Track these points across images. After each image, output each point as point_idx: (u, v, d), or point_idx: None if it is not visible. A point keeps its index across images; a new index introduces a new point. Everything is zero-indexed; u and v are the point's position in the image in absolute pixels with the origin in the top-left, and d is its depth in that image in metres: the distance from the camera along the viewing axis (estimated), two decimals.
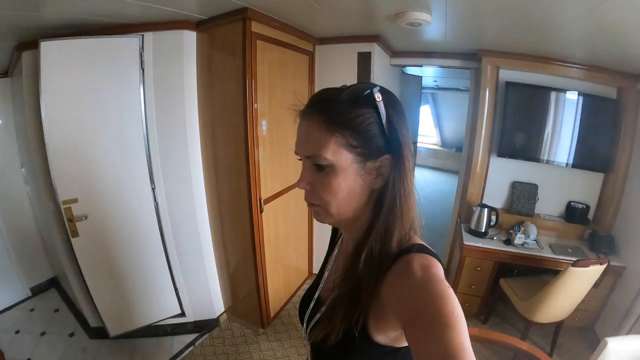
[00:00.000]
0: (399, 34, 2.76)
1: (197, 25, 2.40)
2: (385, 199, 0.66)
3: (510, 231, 3.09)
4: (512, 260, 2.89)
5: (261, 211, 2.55)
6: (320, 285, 0.87)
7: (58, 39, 2.22)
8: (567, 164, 3.06)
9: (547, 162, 3.11)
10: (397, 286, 0.62)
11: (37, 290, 3.69)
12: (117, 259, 2.63)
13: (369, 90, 0.64)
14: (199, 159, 2.65)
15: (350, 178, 0.66)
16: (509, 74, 3.07)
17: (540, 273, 2.94)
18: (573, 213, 3.18)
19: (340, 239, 0.91)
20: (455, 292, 2.40)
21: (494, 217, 3.10)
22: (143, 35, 2.38)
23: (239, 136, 2.39)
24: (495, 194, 3.30)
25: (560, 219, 3.22)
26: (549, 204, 3.24)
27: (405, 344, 0.67)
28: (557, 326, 2.69)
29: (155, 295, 2.85)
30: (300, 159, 0.71)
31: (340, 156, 0.64)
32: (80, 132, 2.36)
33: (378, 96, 0.64)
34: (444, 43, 2.98)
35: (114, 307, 2.70)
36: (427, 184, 8.35)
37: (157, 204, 2.63)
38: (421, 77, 5.36)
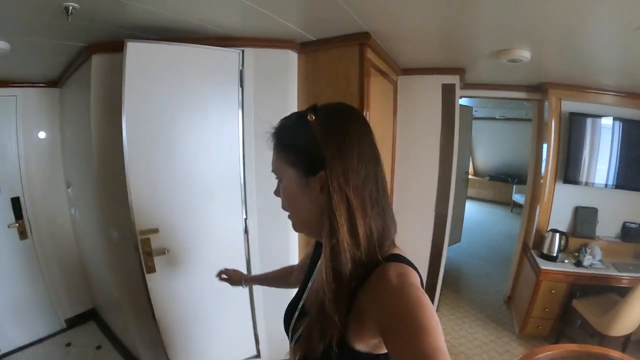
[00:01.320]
0: (485, 67, 2.73)
1: (302, 47, 2.17)
2: (325, 214, 0.66)
3: (576, 254, 3.08)
4: (584, 281, 2.88)
5: None
6: (305, 295, 0.87)
7: (147, 41, 1.87)
8: (615, 186, 3.14)
9: (606, 186, 3.17)
10: (374, 294, 0.62)
11: (72, 322, 3.18)
12: (195, 295, 2.21)
13: (303, 113, 0.70)
14: None
15: (294, 191, 0.72)
16: (570, 105, 3.14)
17: (606, 291, 2.94)
18: (628, 232, 3.22)
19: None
20: (530, 317, 3.03)
21: (563, 242, 3.09)
22: (243, 51, 2.08)
23: None
24: (560, 219, 3.25)
25: (617, 238, 3.25)
26: (607, 226, 3.25)
27: (385, 350, 0.64)
28: (626, 339, 2.69)
29: (230, 335, 2.46)
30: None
31: (286, 172, 0.73)
32: (165, 151, 1.98)
33: (310, 116, 0.69)
34: (514, 75, 2.98)
35: (183, 348, 2.27)
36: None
37: (247, 236, 2.28)
38: (472, 107, 5.26)
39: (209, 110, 2.07)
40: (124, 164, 1.87)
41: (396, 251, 0.71)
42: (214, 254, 2.19)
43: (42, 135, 2.96)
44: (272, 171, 0.78)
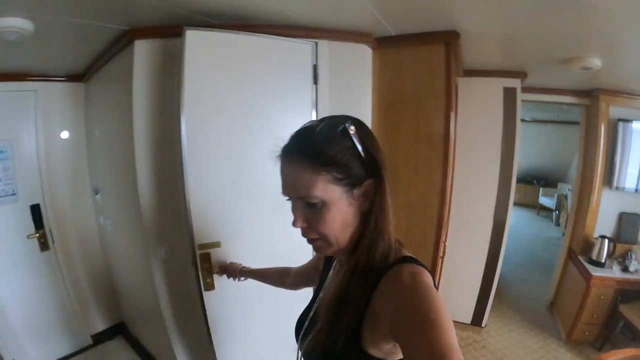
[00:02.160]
0: (546, 72, 2.62)
1: (379, 42, 1.91)
2: (371, 217, 0.67)
3: (621, 259, 3.03)
4: (631, 286, 2.82)
5: (442, 255, 2.11)
6: (315, 305, 0.85)
7: (207, 29, 1.59)
8: None
9: None
10: (387, 293, 0.62)
11: (100, 338, 2.86)
12: (257, 319, 1.90)
13: (342, 126, 0.65)
14: None
15: (342, 209, 0.66)
16: (617, 111, 3.05)
17: None
18: None
19: (335, 260, 0.90)
20: (578, 323, 2.95)
21: (610, 248, 3.00)
22: (317, 43, 1.79)
23: (432, 172, 1.93)
24: (605, 225, 3.14)
25: None
26: None
27: (399, 356, 0.65)
28: None
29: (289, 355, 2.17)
30: (288, 199, 0.70)
31: (330, 191, 0.64)
32: (229, 156, 1.70)
33: (352, 129, 0.65)
34: (569, 80, 2.86)
35: None
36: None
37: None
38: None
39: (279, 109, 1.76)
40: (181, 169, 1.60)
41: (405, 253, 0.71)
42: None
43: (64, 135, 2.59)
44: (301, 197, 0.66)
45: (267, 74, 1.73)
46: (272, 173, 1.64)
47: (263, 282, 1.42)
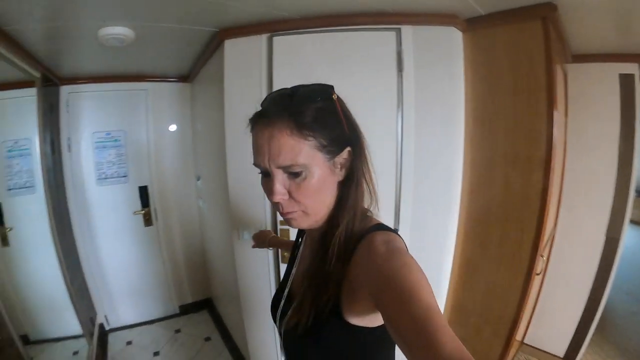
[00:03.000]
0: None
1: (468, 24, 1.70)
2: (349, 187, 0.65)
3: None
4: None
5: (540, 272, 1.79)
6: (289, 282, 0.81)
7: (291, 33, 1.68)
8: None
9: None
10: (364, 263, 0.60)
11: (186, 309, 3.14)
12: None
13: (327, 90, 0.64)
14: (458, 191, 1.81)
15: (326, 177, 0.63)
16: None
17: None
18: None
19: (305, 234, 0.86)
20: None
21: None
22: (400, 29, 1.66)
23: (533, 171, 1.63)
24: None
25: None
26: None
27: (379, 323, 0.63)
28: None
29: None
30: (261, 172, 0.65)
31: (315, 158, 0.60)
32: None
33: (334, 95, 0.64)
34: None
35: None
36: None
37: None
38: None
39: (362, 101, 1.69)
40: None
41: (375, 220, 0.69)
42: None
43: (172, 128, 2.92)
44: (285, 166, 0.60)
45: (351, 68, 1.71)
46: None
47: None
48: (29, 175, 2.06)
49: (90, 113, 2.65)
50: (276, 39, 1.71)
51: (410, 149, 1.72)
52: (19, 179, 2.03)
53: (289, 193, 0.62)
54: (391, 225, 1.64)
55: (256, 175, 1.70)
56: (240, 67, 1.83)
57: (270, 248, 1.45)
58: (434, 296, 0.50)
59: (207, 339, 2.82)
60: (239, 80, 1.83)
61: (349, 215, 0.65)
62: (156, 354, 2.64)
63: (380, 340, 0.66)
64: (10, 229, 1.99)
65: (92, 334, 2.49)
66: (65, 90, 2.48)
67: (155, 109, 2.82)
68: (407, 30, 1.67)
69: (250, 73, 1.76)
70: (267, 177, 0.64)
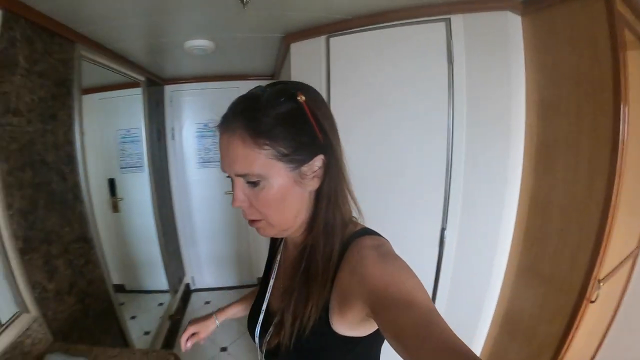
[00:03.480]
0: None
1: (525, 6, 1.52)
2: (324, 196, 0.61)
3: None
4: None
5: (595, 299, 1.53)
6: (267, 295, 0.75)
7: (346, 33, 1.75)
8: None
9: None
10: (355, 270, 0.56)
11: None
12: None
13: (290, 93, 0.56)
14: (514, 193, 1.63)
15: (287, 188, 0.58)
16: None
17: None
18: None
19: (282, 244, 0.80)
20: None
21: None
22: (450, 19, 1.60)
23: (594, 177, 1.33)
24: None
25: None
26: None
27: (370, 331, 0.60)
28: None
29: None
30: (228, 176, 0.60)
31: (273, 168, 0.55)
32: (367, 142, 1.78)
33: (301, 97, 0.55)
34: None
35: None
36: None
37: (441, 250, 1.76)
38: None
39: (414, 97, 1.71)
40: None
41: (360, 226, 0.67)
42: (400, 254, 1.87)
43: None
44: (240, 175, 0.57)
45: (402, 62, 1.70)
46: (405, 159, 1.68)
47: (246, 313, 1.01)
48: (139, 157, 2.57)
49: (190, 107, 3.13)
50: (332, 40, 1.81)
51: (461, 145, 1.64)
52: (130, 160, 2.56)
53: (250, 201, 0.59)
54: (438, 225, 1.57)
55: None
56: (304, 66, 1.96)
57: (220, 321, 1.10)
58: (430, 298, 0.50)
59: None
60: (303, 79, 1.95)
61: (327, 226, 0.61)
62: None
63: (369, 347, 0.64)
64: (121, 199, 2.53)
65: (176, 291, 3.00)
66: (168, 89, 3.00)
67: None
68: (457, 19, 1.59)
69: (312, 72, 1.88)
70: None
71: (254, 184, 0.56)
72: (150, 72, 2.56)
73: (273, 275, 0.77)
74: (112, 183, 2.56)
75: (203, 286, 3.48)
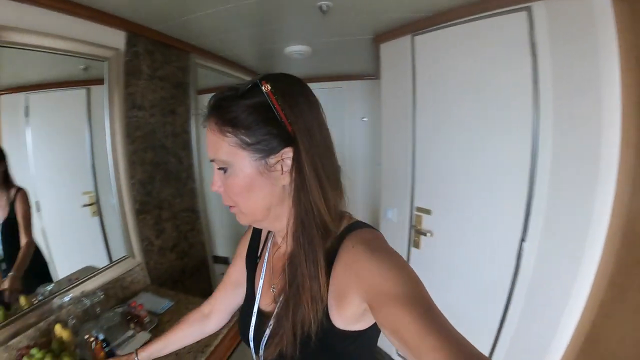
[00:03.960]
0: None
1: None
2: (296, 191, 0.58)
3: None
4: None
5: None
6: (258, 297, 0.71)
7: (428, 31, 1.72)
8: None
9: None
10: (350, 266, 0.55)
11: None
12: (439, 296, 1.81)
13: (254, 82, 0.56)
14: (607, 204, 1.30)
15: (252, 177, 0.57)
16: None
17: None
18: None
19: (269, 241, 0.77)
20: None
21: None
22: (530, 7, 1.37)
23: None
24: None
25: None
26: None
27: (369, 325, 0.59)
28: None
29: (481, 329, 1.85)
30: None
31: (236, 156, 0.56)
32: (449, 138, 1.74)
33: (266, 87, 0.55)
34: None
35: None
36: None
37: (518, 263, 1.54)
38: None
39: (497, 92, 1.55)
40: (412, 142, 1.91)
41: (352, 219, 0.64)
42: (472, 263, 1.74)
43: (364, 119, 3.31)
44: (212, 160, 0.60)
45: (482, 56, 1.57)
46: (484, 158, 1.63)
47: (178, 346, 0.97)
48: None
49: None
50: (417, 38, 1.81)
51: (547, 148, 1.41)
52: None
53: (224, 187, 0.61)
54: (517, 236, 1.55)
55: (404, 160, 2.01)
56: (392, 66, 2.01)
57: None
58: (427, 291, 0.49)
59: None
60: (392, 77, 2.03)
61: (304, 224, 0.59)
62: None
63: (370, 338, 0.62)
64: None
65: None
66: None
67: (350, 102, 3.26)
68: (539, 7, 1.36)
69: (400, 71, 1.92)
70: None
71: (223, 170, 0.59)
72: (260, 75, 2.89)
73: (262, 275, 0.74)
74: None
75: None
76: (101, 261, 1.55)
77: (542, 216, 1.44)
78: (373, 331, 0.61)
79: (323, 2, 1.45)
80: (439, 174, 1.82)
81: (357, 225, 0.61)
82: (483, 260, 1.70)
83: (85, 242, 1.59)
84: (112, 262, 1.55)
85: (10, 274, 1.17)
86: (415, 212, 1.95)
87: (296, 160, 0.57)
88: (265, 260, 0.75)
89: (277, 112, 0.55)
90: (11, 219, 1.17)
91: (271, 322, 0.65)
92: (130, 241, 1.62)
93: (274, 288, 0.70)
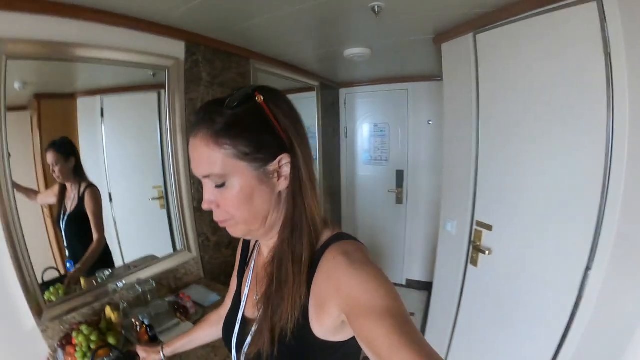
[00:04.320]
0: None
1: None
2: (290, 196, 0.60)
3: None
4: None
5: None
6: (243, 304, 0.73)
7: (490, 28, 1.57)
8: None
9: None
10: (331, 276, 0.56)
11: (409, 284, 3.43)
12: (501, 307, 1.71)
13: (248, 93, 0.57)
14: None
15: (252, 187, 0.57)
16: None
17: None
18: None
19: (255, 251, 0.78)
20: None
21: None
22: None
23: None
24: None
25: None
26: None
27: (349, 337, 0.59)
28: None
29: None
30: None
31: (235, 168, 0.56)
32: (516, 147, 1.56)
33: (259, 97, 0.57)
34: None
35: (466, 345, 1.96)
36: None
37: (580, 294, 1.32)
38: None
39: (566, 92, 1.35)
40: (476, 153, 1.76)
41: (335, 230, 0.64)
42: (530, 291, 1.55)
43: (430, 121, 3.13)
44: (207, 176, 0.57)
45: (550, 54, 1.38)
46: (552, 173, 1.47)
47: (197, 344, 1.02)
48: (313, 150, 3.00)
49: (362, 108, 3.35)
50: (479, 36, 1.67)
51: (623, 153, 1.19)
52: None
53: (218, 203, 0.59)
54: (582, 262, 1.40)
55: (466, 169, 1.85)
56: (454, 66, 1.89)
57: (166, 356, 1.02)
58: (404, 306, 0.49)
59: (411, 313, 2.99)
60: (454, 78, 1.91)
61: (295, 227, 0.60)
62: None
63: (351, 350, 0.62)
64: None
65: None
66: (343, 91, 3.28)
67: (414, 104, 3.11)
68: None
69: (462, 71, 1.79)
70: None
71: (220, 185, 0.57)
72: (323, 78, 2.92)
73: (248, 284, 0.75)
74: None
75: None
76: (165, 251, 1.70)
77: (612, 240, 1.22)
78: (355, 345, 0.59)
79: (375, 3, 1.40)
80: (503, 187, 1.64)
81: (341, 236, 0.62)
82: (543, 288, 1.50)
83: (152, 232, 1.76)
84: (171, 253, 1.68)
85: (77, 266, 1.33)
86: (476, 227, 1.79)
87: (294, 165, 0.59)
88: (252, 269, 0.76)
89: (271, 121, 0.57)
90: (79, 211, 1.33)
91: (253, 327, 0.65)
92: (187, 236, 1.74)
93: (257, 295, 0.70)
